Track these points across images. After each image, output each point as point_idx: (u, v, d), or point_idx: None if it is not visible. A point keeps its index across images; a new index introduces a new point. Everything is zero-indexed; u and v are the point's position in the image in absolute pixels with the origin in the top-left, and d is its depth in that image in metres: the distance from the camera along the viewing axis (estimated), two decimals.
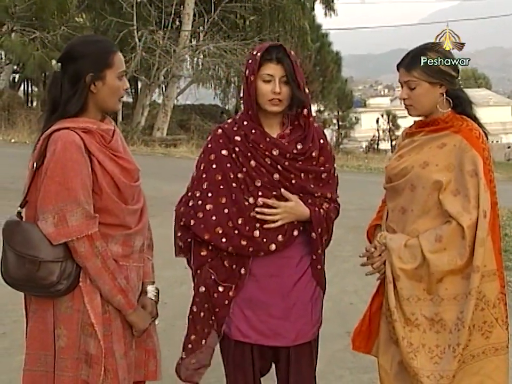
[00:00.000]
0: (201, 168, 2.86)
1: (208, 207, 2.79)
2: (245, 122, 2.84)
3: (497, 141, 44.54)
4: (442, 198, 2.72)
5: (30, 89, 30.80)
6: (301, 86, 2.79)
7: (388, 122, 33.78)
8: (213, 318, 2.85)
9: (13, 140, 17.76)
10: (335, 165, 2.98)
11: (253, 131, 2.82)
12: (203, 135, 23.77)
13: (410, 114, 2.89)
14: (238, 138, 2.83)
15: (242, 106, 2.91)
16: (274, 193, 2.80)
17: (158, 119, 24.21)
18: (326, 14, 29.18)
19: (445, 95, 2.79)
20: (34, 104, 29.19)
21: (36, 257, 2.41)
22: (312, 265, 2.90)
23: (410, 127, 2.98)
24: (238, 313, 2.84)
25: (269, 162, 2.80)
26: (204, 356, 2.90)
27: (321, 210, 2.86)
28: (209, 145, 2.88)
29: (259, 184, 2.79)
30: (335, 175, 2.98)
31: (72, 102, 2.48)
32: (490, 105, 52.16)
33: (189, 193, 2.87)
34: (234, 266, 2.82)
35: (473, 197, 2.67)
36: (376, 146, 33.75)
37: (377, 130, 34.24)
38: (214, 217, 2.78)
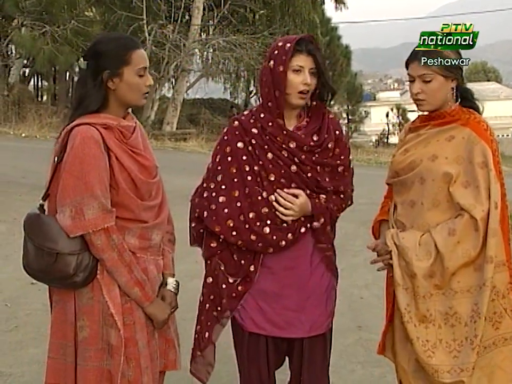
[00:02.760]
0: (217, 160, 2.85)
1: (221, 199, 2.79)
2: (262, 115, 2.83)
3: (507, 135, 44.32)
4: (452, 191, 2.72)
5: (40, 83, 30.89)
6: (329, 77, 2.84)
7: (398, 116, 33.63)
8: (219, 308, 2.85)
9: (23, 135, 17.81)
10: (350, 157, 2.95)
11: (270, 124, 2.81)
12: (213, 129, 23.80)
13: (421, 110, 2.86)
14: (254, 130, 2.82)
15: (260, 98, 2.91)
16: (286, 189, 2.78)
17: (167, 113, 24.24)
18: (336, 7, 29.20)
19: (455, 89, 2.80)
20: (45, 98, 29.29)
21: (53, 249, 2.45)
22: (323, 256, 2.88)
23: (414, 121, 2.98)
24: (253, 304, 2.83)
25: (285, 155, 2.79)
26: (209, 350, 2.91)
27: (322, 201, 2.83)
28: (225, 137, 2.87)
29: (272, 179, 2.78)
30: (351, 167, 2.96)
31: (92, 99, 2.53)
32: (500, 99, 51.96)
33: (204, 184, 2.88)
34: (243, 261, 2.82)
35: (484, 188, 2.68)
36: (386, 140, 33.65)
37: (387, 124, 34.13)
38: (226, 210, 2.78)
